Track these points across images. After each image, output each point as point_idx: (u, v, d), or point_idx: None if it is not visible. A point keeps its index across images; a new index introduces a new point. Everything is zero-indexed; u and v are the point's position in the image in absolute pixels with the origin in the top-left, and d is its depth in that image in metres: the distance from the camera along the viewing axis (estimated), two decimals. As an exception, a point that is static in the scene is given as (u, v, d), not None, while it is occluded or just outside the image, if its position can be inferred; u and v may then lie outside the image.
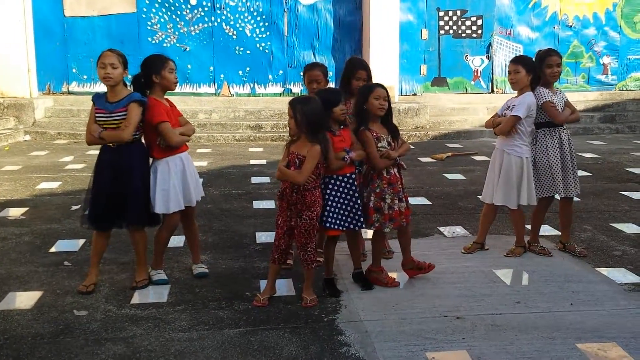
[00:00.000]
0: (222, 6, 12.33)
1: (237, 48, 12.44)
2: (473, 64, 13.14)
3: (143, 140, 4.32)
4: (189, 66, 12.29)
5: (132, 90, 4.23)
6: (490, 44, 13.15)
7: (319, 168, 3.96)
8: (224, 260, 4.82)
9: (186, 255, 4.87)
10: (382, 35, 12.09)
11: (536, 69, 4.81)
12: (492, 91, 13.29)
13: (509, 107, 4.84)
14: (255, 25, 12.47)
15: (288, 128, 4.05)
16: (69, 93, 12.09)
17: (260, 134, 11.01)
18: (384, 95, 4.20)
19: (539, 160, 4.91)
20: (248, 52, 12.47)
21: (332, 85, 13.03)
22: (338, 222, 4.10)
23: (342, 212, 4.10)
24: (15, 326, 3.74)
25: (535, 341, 3.54)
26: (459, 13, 13.04)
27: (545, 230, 5.46)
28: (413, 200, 6.68)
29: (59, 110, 11.62)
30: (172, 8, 12.20)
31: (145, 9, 12.14)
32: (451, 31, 13.07)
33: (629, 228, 5.75)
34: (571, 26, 13.48)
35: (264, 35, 12.52)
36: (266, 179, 7.68)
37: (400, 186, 4.29)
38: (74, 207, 6.30)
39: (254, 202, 6.59)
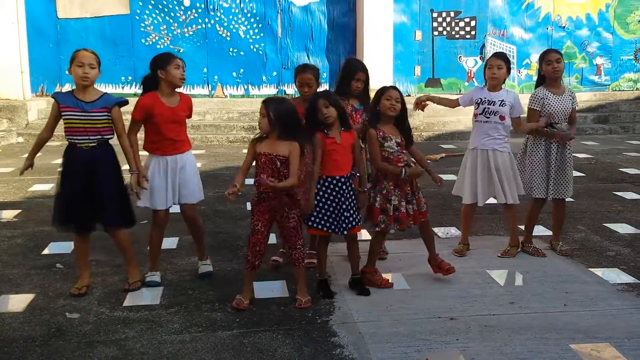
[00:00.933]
0: (216, 8, 12.31)
1: (231, 49, 12.42)
2: (467, 65, 13.16)
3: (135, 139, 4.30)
4: (183, 68, 12.26)
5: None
6: (483, 45, 13.18)
7: (300, 165, 3.94)
8: (217, 262, 4.80)
9: (179, 257, 4.86)
10: (376, 36, 12.10)
11: (510, 69, 4.94)
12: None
13: (493, 102, 4.77)
14: (248, 27, 12.46)
15: (259, 127, 3.96)
16: (62, 95, 12.03)
17: (254, 135, 10.97)
18: (396, 96, 4.23)
19: (531, 161, 4.92)
20: (242, 53, 12.45)
21: (327, 87, 13.01)
22: (322, 222, 4.08)
23: (328, 213, 4.08)
24: (7, 329, 3.71)
25: (529, 342, 3.54)
26: (452, 14, 13.05)
27: (539, 230, 5.46)
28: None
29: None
30: (166, 10, 12.17)
31: (138, 11, 12.11)
32: (445, 32, 13.08)
33: (622, 228, 5.76)
34: (564, 27, 13.51)
35: (258, 37, 12.50)
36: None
37: (408, 188, 4.27)
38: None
39: (247, 203, 6.57)
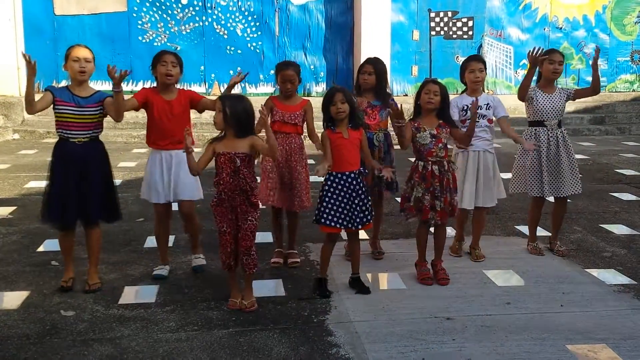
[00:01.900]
0: (213, 5, 12.28)
1: (228, 47, 12.39)
2: (464, 65, 13.16)
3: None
4: (180, 65, 12.23)
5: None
6: (481, 45, 13.18)
7: (253, 165, 3.91)
8: (213, 261, 4.78)
9: (174, 255, 4.84)
10: (373, 35, 12.08)
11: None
12: (483, 92, 13.31)
13: (480, 106, 4.68)
14: (246, 25, 12.43)
15: (214, 122, 3.87)
16: (59, 92, 11.99)
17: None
18: (434, 89, 4.30)
19: (524, 160, 4.93)
20: (239, 51, 12.43)
21: (324, 86, 13.01)
22: (335, 219, 4.08)
23: (340, 210, 4.08)
24: (2, 326, 3.69)
25: (525, 342, 3.53)
26: (450, 14, 13.05)
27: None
28: (404, 201, 6.68)
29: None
30: (163, 7, 12.14)
31: (136, 8, 12.07)
32: (442, 32, 13.08)
33: (618, 229, 5.77)
34: (561, 28, 13.53)
35: (255, 35, 12.48)
36: (257, 178, 7.64)
37: (437, 184, 4.28)
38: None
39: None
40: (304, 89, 12.34)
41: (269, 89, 12.63)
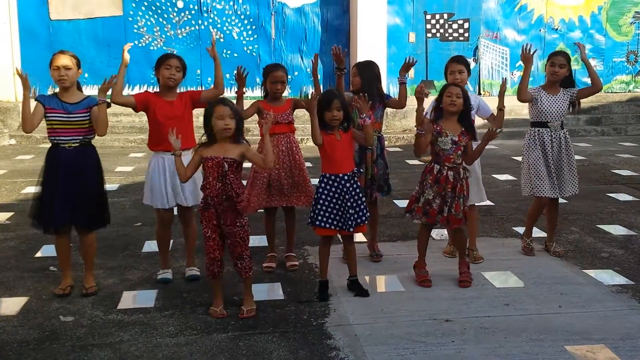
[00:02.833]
0: (209, 9, 12.29)
1: (225, 51, 12.39)
2: (460, 67, 13.17)
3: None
4: (176, 69, 12.23)
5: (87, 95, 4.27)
6: (477, 47, 13.21)
7: (240, 172, 3.89)
8: (212, 265, 4.78)
9: (173, 260, 4.84)
10: (369, 38, 12.09)
11: (470, 72, 4.96)
12: (479, 94, 13.32)
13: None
14: (242, 29, 12.44)
15: (226, 128, 3.78)
16: (55, 96, 11.98)
17: (248, 137, 10.93)
18: (457, 92, 4.30)
19: (528, 160, 4.95)
20: (235, 55, 12.42)
21: (321, 87, 13.01)
22: (330, 221, 4.09)
23: (334, 212, 4.09)
24: (0, 333, 3.69)
25: (524, 344, 3.54)
26: (445, 16, 13.08)
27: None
28: (401, 204, 6.69)
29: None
30: (159, 11, 12.14)
31: (131, 12, 12.06)
32: (438, 34, 13.10)
33: (615, 230, 5.78)
34: (557, 29, 13.56)
35: (252, 39, 12.48)
36: (243, 184, 7.64)
37: (449, 189, 4.27)
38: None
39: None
40: (300, 91, 12.32)
41: (265, 92, 12.62)
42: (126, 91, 11.78)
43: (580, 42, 5.30)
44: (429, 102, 4.69)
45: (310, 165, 5.97)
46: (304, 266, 4.79)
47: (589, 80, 5.17)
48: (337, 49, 4.76)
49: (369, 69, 4.82)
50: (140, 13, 12.09)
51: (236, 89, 4.70)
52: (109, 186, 7.16)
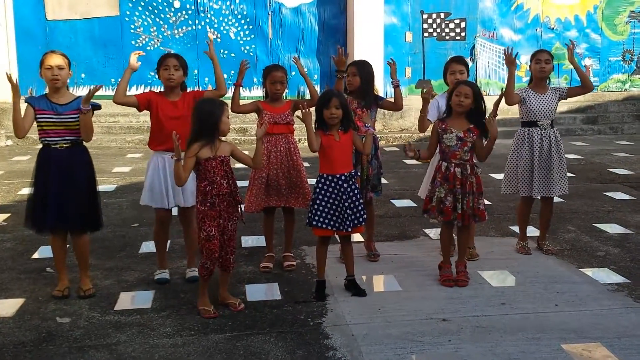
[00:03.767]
0: (206, 9, 12.28)
1: (222, 51, 12.38)
2: (457, 66, 13.18)
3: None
4: (173, 69, 12.21)
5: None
6: (473, 47, 13.22)
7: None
8: (209, 265, 4.78)
9: (171, 260, 4.83)
10: (366, 38, 12.10)
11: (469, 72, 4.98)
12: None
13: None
14: (239, 29, 12.43)
15: (224, 130, 3.86)
16: (52, 97, 11.95)
17: (246, 137, 10.97)
18: (465, 92, 4.30)
19: (516, 159, 4.97)
20: (232, 55, 12.42)
21: (317, 88, 13.05)
22: (327, 221, 4.09)
23: (331, 212, 4.09)
24: (-3, 334, 3.68)
25: (520, 342, 3.55)
26: (442, 16, 13.09)
27: (530, 230, 5.48)
28: (398, 203, 6.70)
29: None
30: (156, 11, 12.13)
31: (128, 12, 12.05)
32: (435, 34, 13.11)
33: (612, 228, 5.80)
34: (553, 28, 13.58)
35: (249, 39, 12.48)
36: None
37: (458, 186, 4.29)
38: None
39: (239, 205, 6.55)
40: (298, 91, 12.35)
41: (262, 92, 12.62)
42: (123, 91, 11.83)
43: (572, 41, 5.27)
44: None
45: (308, 165, 5.98)
46: (301, 266, 4.79)
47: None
48: (341, 50, 4.76)
49: (367, 68, 4.82)
50: (137, 13, 12.07)
51: (234, 82, 4.67)
52: (107, 187, 7.17)
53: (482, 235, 5.52)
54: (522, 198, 5.07)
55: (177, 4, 12.16)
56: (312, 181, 4.43)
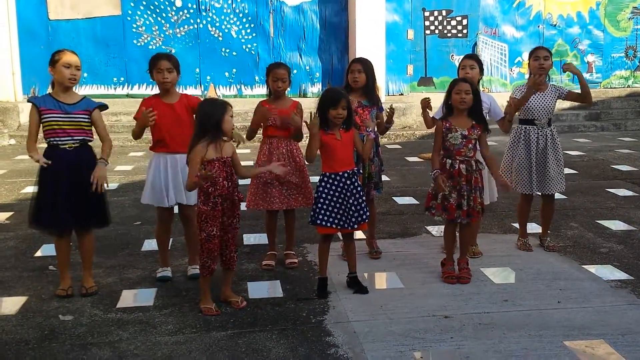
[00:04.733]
0: (208, 8, 12.28)
1: (223, 50, 12.39)
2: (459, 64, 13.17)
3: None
4: (175, 68, 12.21)
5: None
6: (475, 44, 13.19)
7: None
8: (211, 263, 4.78)
9: (172, 258, 4.84)
10: (368, 35, 12.08)
11: (483, 69, 4.94)
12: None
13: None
14: (241, 27, 12.42)
15: (227, 129, 3.90)
16: (54, 96, 11.96)
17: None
18: (465, 89, 4.30)
19: (513, 157, 4.97)
20: (234, 53, 12.42)
21: (319, 86, 12.98)
22: (331, 220, 4.09)
23: (335, 210, 4.09)
24: (0, 332, 3.69)
25: (523, 339, 3.54)
26: (444, 13, 13.06)
27: (532, 227, 5.47)
28: (400, 201, 6.70)
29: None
30: (157, 10, 12.13)
31: (130, 12, 12.05)
32: (437, 31, 13.09)
33: (615, 225, 5.78)
34: (555, 25, 13.55)
35: (250, 37, 12.47)
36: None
37: (464, 182, 4.29)
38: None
39: (241, 203, 6.55)
40: (299, 89, 12.34)
41: (264, 90, 12.54)
42: (126, 90, 11.87)
43: (565, 64, 5.27)
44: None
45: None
46: (303, 264, 4.79)
47: (587, 76, 5.20)
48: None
49: (370, 66, 4.80)
50: (138, 12, 12.07)
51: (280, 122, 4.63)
52: (109, 185, 7.16)
53: (484, 232, 5.51)
54: (521, 195, 5.07)
55: (178, 3, 12.16)
56: (314, 178, 4.43)
